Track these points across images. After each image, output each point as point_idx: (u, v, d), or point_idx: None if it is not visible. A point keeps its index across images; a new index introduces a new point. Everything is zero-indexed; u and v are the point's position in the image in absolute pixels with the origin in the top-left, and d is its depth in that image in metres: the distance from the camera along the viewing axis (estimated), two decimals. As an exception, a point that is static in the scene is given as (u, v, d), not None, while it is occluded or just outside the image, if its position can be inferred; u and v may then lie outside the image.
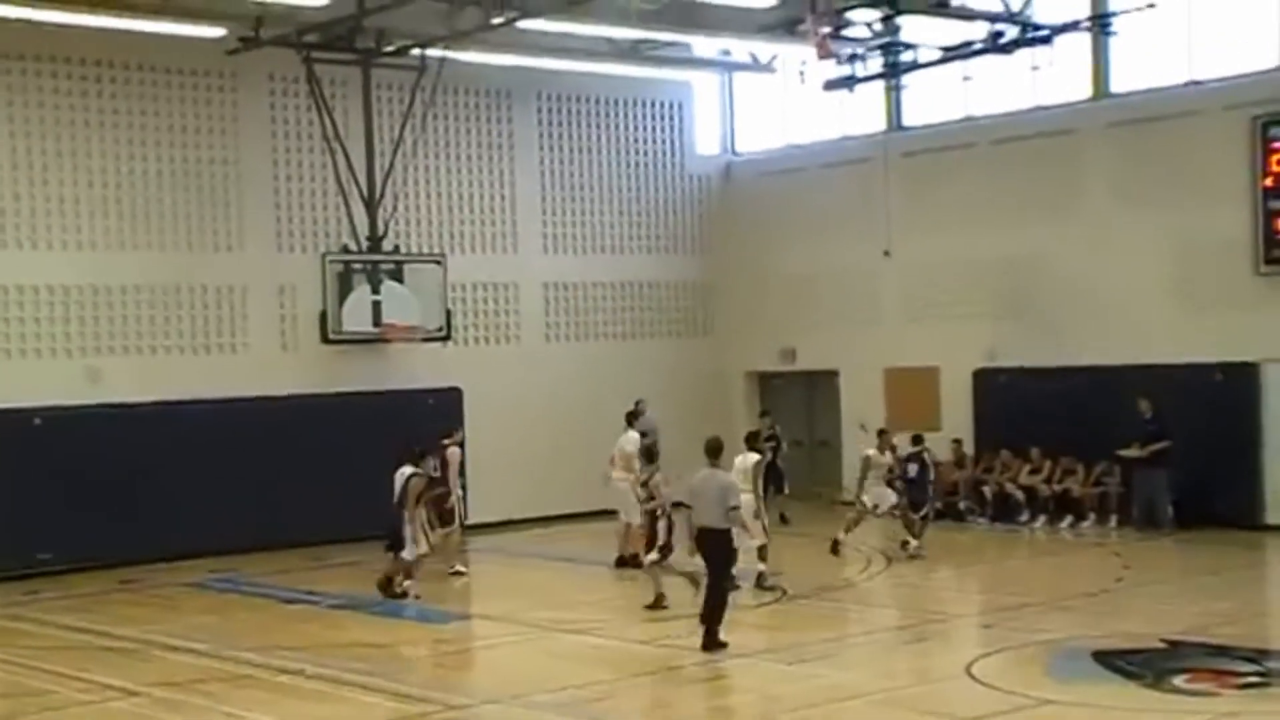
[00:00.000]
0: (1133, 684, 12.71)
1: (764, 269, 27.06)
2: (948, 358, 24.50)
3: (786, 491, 23.19)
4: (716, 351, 27.38)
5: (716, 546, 14.58)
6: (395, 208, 23.65)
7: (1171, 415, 21.06)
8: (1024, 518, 22.81)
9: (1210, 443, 21.03)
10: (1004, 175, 23.84)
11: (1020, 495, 22.98)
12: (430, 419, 23.17)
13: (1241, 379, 21.24)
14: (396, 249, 23.68)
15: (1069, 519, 22.30)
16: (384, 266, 23.26)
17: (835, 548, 19.71)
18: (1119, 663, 13.38)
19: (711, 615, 14.40)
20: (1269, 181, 20.79)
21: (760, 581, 17.33)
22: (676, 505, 16.05)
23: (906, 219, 24.99)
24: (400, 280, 23.26)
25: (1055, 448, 22.70)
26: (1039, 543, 21.61)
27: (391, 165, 23.39)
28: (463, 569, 19.65)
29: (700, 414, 24.80)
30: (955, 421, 24.33)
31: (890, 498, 20.23)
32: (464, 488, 20.20)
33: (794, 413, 26.90)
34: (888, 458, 20.43)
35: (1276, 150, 20.68)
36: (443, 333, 23.70)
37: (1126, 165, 22.58)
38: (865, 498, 20.28)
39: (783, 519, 22.38)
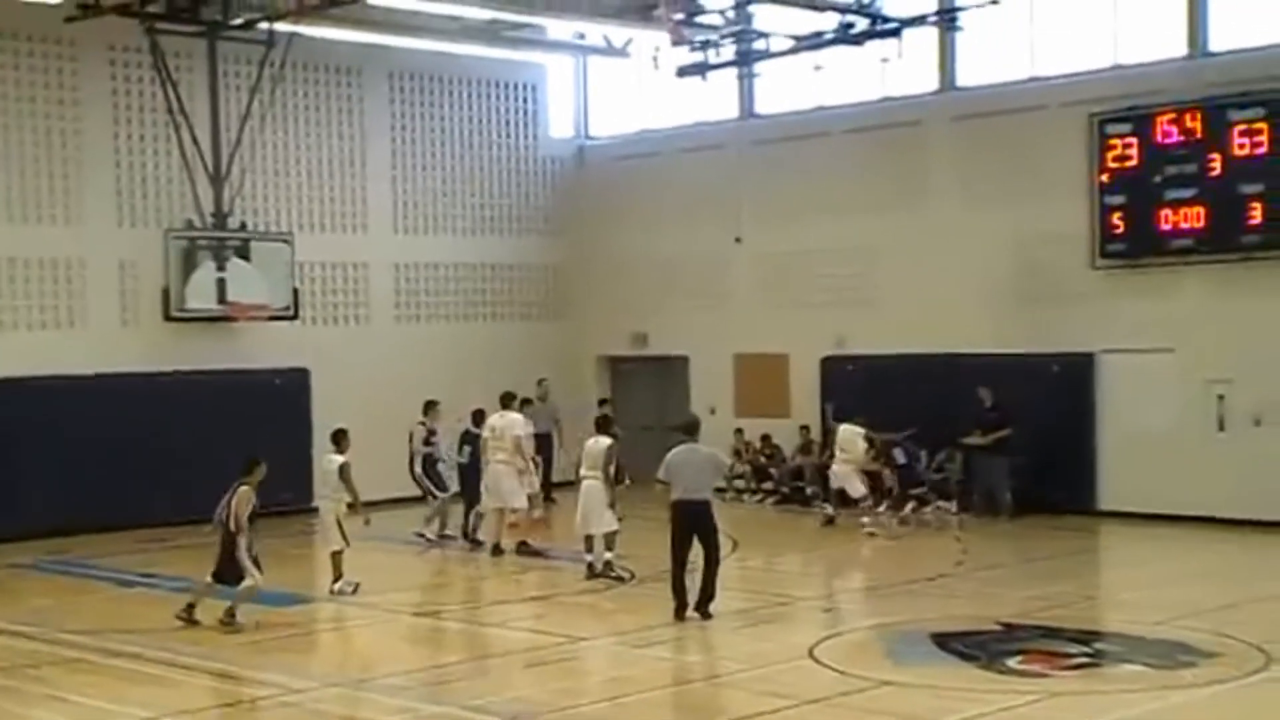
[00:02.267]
0: (968, 665, 12.99)
1: (616, 253, 27.10)
2: (796, 345, 24.77)
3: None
4: (568, 335, 27.35)
5: (700, 518, 14.90)
6: (242, 184, 23.22)
7: (1011, 405, 21.57)
8: (868, 503, 23.13)
9: (1048, 432, 21.58)
10: (854, 164, 24.16)
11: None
12: (277, 399, 22.93)
13: (1078, 370, 21.84)
14: (243, 226, 23.24)
15: (911, 504, 22.71)
16: (230, 244, 22.84)
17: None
18: (956, 645, 13.66)
19: (712, 586, 14.91)
20: (1105, 177, 21.36)
21: (607, 570, 17.21)
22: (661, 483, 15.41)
23: (758, 206, 25.21)
24: (247, 258, 22.88)
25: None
26: (881, 528, 21.96)
27: (239, 141, 22.95)
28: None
29: (553, 397, 24.75)
30: (803, 408, 24.64)
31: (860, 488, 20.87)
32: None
33: (645, 398, 26.99)
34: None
35: (1113, 147, 21.25)
36: (290, 312, 23.36)
37: (971, 157, 23.04)
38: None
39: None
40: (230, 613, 14.96)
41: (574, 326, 27.49)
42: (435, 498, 20.32)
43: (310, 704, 12.34)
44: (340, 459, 16.81)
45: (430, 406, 20.66)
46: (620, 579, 17.13)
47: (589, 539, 17.49)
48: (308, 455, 22.64)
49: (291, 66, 23.21)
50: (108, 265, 22.50)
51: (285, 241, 23.49)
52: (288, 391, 23.29)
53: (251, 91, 22.93)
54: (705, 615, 14.87)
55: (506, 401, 19.97)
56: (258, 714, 12.05)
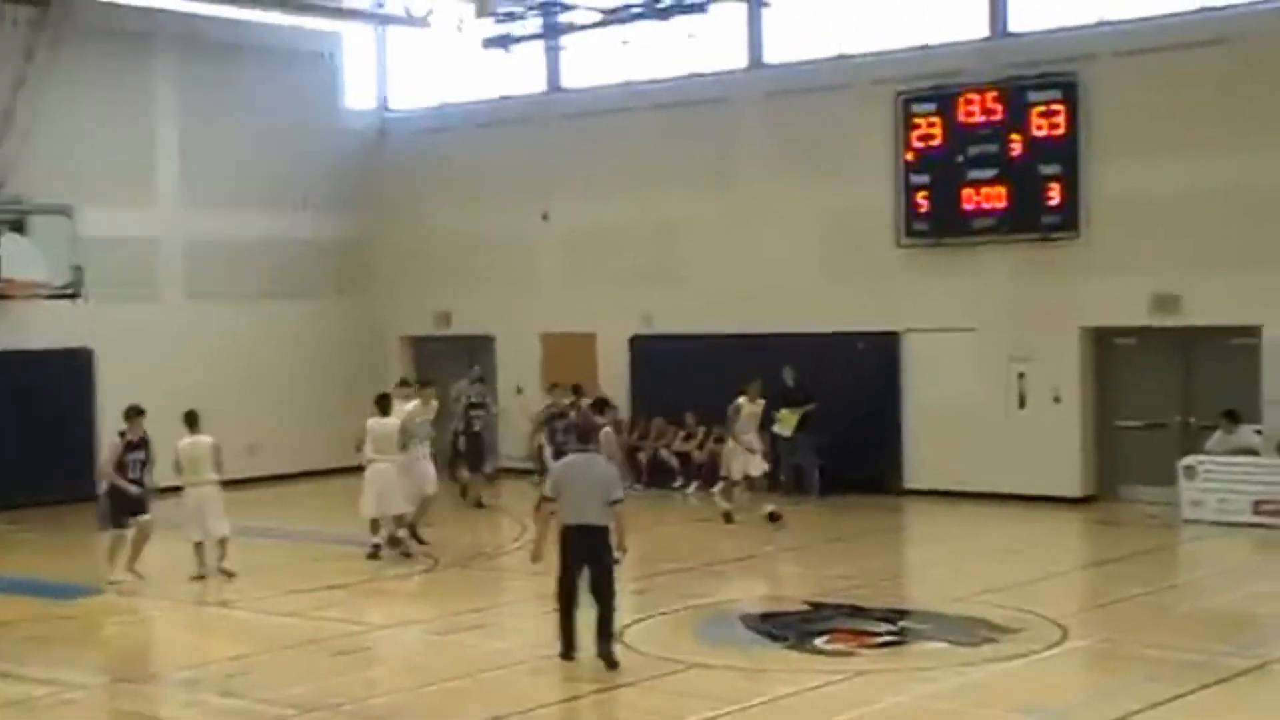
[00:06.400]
0: (776, 645, 12.97)
1: (420, 230, 26.45)
2: (605, 324, 24.51)
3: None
4: (370, 314, 26.62)
5: (594, 547, 12.37)
6: (19, 155, 21.96)
7: (816, 384, 21.53)
8: (678, 484, 23.04)
9: (854, 411, 21.67)
10: (662, 141, 23.93)
11: (674, 462, 23.21)
12: (58, 381, 21.83)
13: (883, 348, 21.97)
14: (18, 199, 21.99)
15: (721, 485, 22.59)
16: (3, 216, 21.58)
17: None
18: (764, 625, 13.65)
19: (610, 624, 12.44)
20: (910, 156, 21.52)
21: (398, 546, 17.38)
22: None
23: (566, 182, 24.84)
24: (22, 231, 21.69)
25: (709, 415, 23.00)
26: (692, 509, 21.86)
27: (13, 107, 21.69)
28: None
29: (354, 378, 24.10)
30: (611, 388, 24.30)
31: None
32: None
33: (451, 378, 26.38)
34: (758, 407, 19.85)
35: (918, 126, 21.40)
36: (71, 290, 22.20)
37: (779, 136, 22.99)
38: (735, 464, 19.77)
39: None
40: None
41: (375, 305, 26.76)
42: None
43: (96, 700, 11.78)
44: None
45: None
46: (409, 555, 17.23)
47: (375, 522, 17.49)
48: (90, 441, 21.61)
49: (72, 29, 22.04)
50: None
51: (65, 215, 22.28)
52: (70, 373, 22.17)
53: (26, 55, 21.68)
54: (612, 663, 12.19)
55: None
56: (37, 714, 11.32)
